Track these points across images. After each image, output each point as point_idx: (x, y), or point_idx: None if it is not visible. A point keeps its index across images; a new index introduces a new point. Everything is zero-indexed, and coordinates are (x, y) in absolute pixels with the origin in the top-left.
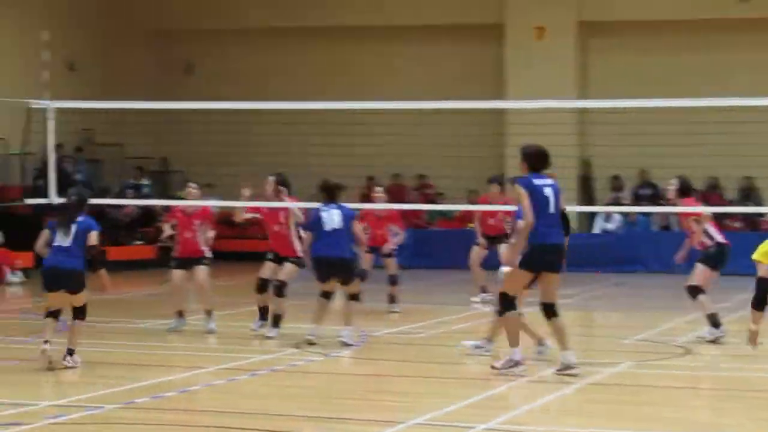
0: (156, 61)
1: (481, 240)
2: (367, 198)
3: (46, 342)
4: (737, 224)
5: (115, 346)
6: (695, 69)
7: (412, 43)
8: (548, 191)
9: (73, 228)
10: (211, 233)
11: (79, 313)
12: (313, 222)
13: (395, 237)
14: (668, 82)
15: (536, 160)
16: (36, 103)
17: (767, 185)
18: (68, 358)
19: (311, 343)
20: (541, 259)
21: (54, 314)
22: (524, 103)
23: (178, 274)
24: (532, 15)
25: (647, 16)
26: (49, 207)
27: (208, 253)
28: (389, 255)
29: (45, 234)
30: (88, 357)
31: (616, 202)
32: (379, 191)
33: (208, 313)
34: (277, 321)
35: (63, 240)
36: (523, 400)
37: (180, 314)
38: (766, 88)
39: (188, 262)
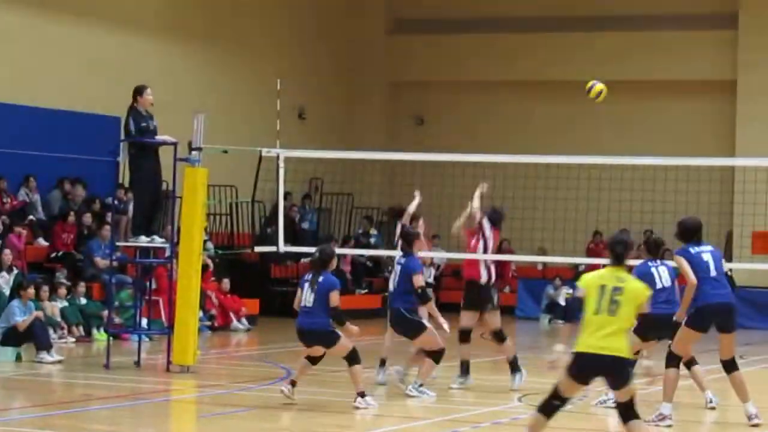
0: (387, 111)
1: None
2: (593, 252)
3: (292, 383)
4: None
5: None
6: None
7: (646, 97)
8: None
9: (316, 288)
10: None
11: (349, 360)
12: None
13: None
14: None
15: (684, 233)
16: (267, 151)
17: None
18: (359, 400)
19: None
20: (708, 318)
21: (311, 359)
22: (754, 160)
23: None
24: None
25: None
26: (276, 255)
27: None
28: None
29: (298, 292)
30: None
31: None
32: None
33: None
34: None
35: (308, 300)
36: None
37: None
38: None
39: None
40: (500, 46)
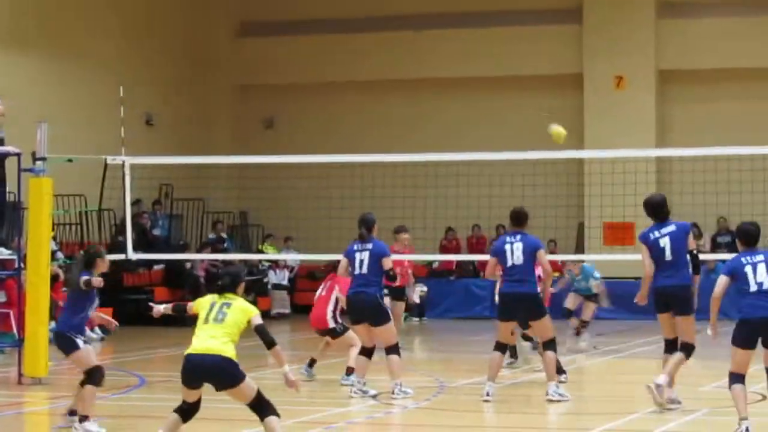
0: (235, 115)
1: None
2: (445, 249)
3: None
4: None
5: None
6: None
7: (494, 93)
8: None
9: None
10: None
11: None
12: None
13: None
14: (747, 129)
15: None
16: (112, 159)
17: None
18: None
19: None
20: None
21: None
22: (602, 152)
23: None
24: (611, 63)
25: (725, 64)
26: (127, 262)
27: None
28: None
29: None
30: None
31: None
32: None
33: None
34: None
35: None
36: None
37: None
38: None
39: None
40: (347, 46)
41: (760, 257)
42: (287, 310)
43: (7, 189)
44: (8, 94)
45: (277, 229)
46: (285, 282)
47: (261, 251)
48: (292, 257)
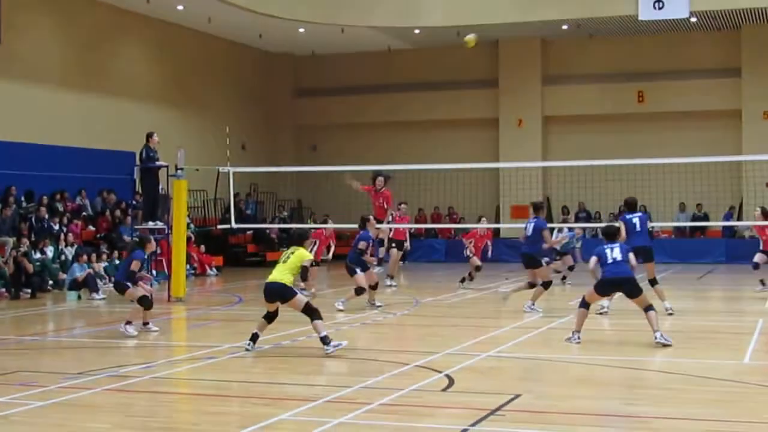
0: (294, 143)
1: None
2: (417, 220)
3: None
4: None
5: None
6: (614, 143)
7: (451, 130)
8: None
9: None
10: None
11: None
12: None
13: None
14: (602, 150)
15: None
16: (223, 169)
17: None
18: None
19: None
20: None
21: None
22: (510, 164)
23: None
24: (515, 111)
25: (583, 111)
26: (231, 229)
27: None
28: None
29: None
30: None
31: (565, 221)
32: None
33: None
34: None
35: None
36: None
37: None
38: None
39: None
40: (360, 104)
41: (616, 245)
42: (329, 257)
43: (161, 186)
44: (160, 132)
45: (318, 209)
46: None
47: (309, 222)
48: (328, 226)
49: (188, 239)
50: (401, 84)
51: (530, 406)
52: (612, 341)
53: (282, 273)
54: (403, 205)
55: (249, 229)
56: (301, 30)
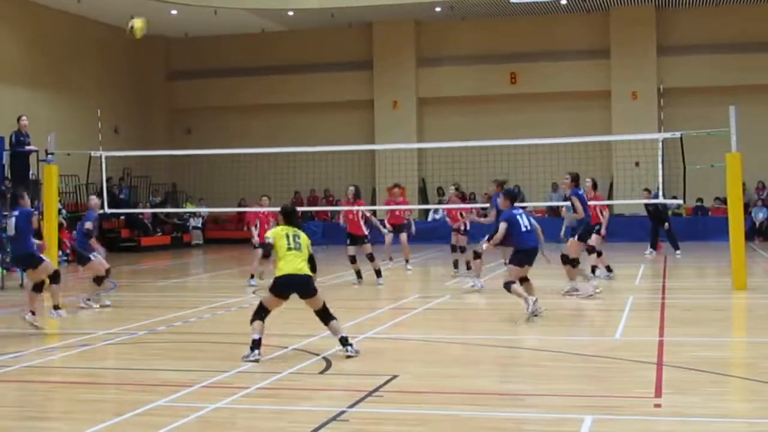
0: (168, 127)
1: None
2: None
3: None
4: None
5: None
6: (488, 125)
7: (327, 112)
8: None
9: None
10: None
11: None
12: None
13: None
14: (472, 133)
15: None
16: (95, 153)
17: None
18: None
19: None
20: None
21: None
22: (387, 146)
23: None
24: (390, 94)
25: (457, 93)
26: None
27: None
28: None
29: None
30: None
31: (440, 202)
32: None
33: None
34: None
35: None
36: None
37: None
38: (516, 134)
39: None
40: (229, 85)
41: (520, 211)
42: (201, 242)
43: (31, 172)
44: (29, 115)
45: (194, 193)
46: (199, 225)
47: (184, 206)
48: (203, 210)
49: (60, 225)
50: (276, 66)
51: (407, 387)
52: (486, 320)
53: (304, 262)
54: (395, 189)
55: (122, 214)
56: (174, 12)
